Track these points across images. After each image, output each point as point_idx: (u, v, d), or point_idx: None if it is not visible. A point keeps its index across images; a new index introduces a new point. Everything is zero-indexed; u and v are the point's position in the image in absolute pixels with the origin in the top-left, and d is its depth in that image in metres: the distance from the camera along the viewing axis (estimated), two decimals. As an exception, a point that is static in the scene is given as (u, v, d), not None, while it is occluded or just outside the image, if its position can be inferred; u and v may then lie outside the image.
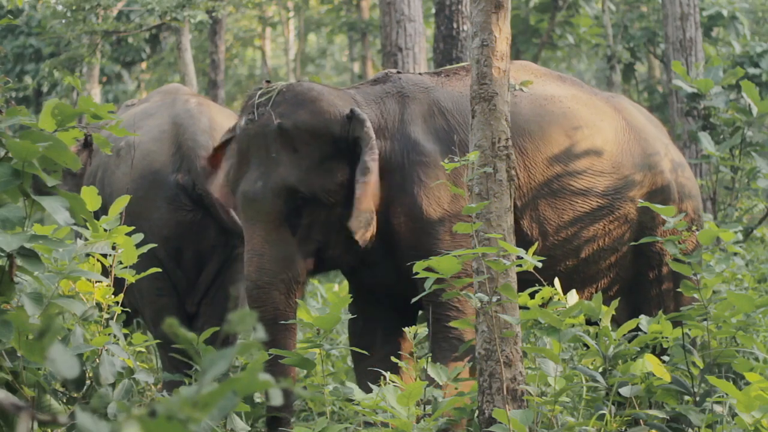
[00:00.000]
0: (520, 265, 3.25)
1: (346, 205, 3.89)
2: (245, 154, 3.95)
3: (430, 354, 3.89)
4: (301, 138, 3.87)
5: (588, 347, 3.74)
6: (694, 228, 4.10)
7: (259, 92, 3.97)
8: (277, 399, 1.47)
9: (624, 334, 3.49)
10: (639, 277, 4.26)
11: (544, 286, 3.41)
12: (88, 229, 3.23)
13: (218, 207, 4.50)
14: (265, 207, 3.88)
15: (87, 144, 4.73)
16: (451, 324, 3.70)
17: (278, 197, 3.86)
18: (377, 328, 4.16)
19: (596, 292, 4.19)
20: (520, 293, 3.28)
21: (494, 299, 3.18)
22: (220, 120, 4.84)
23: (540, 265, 3.26)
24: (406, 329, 3.86)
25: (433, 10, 8.22)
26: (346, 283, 6.46)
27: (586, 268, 4.16)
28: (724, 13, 12.22)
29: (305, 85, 4.01)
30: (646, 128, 4.37)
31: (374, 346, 4.11)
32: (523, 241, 3.99)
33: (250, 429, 3.84)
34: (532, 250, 3.32)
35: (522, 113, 4.08)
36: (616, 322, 4.11)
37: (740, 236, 6.59)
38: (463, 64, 4.44)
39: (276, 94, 3.93)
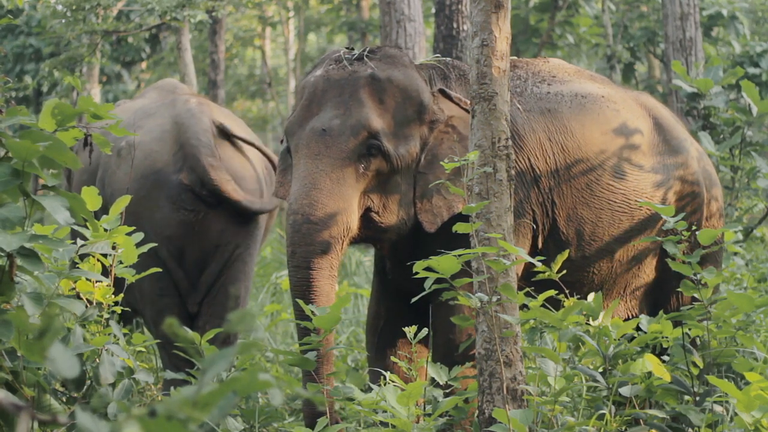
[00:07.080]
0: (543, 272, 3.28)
1: (406, 177, 3.87)
2: (320, 96, 3.85)
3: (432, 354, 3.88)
4: (392, 92, 3.85)
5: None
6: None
7: (342, 51, 3.95)
8: (277, 399, 1.46)
9: (624, 334, 3.49)
10: (662, 274, 4.29)
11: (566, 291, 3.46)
12: (88, 229, 3.23)
13: (231, 193, 4.54)
14: (337, 142, 3.76)
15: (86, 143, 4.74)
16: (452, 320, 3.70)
17: (355, 135, 3.77)
18: (399, 330, 4.09)
19: (624, 291, 4.25)
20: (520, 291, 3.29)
21: (494, 299, 3.18)
22: (220, 120, 4.85)
23: (539, 264, 3.28)
24: (406, 329, 3.85)
25: (433, 10, 8.21)
26: (345, 283, 6.46)
27: (618, 268, 4.20)
28: (724, 12, 12.21)
29: (397, 50, 4.01)
30: (674, 123, 4.45)
31: (394, 347, 4.07)
32: (558, 242, 4.03)
33: (243, 429, 3.84)
34: (561, 257, 3.37)
35: (563, 111, 4.14)
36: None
37: (740, 236, 6.59)
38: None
39: (367, 52, 3.92)
